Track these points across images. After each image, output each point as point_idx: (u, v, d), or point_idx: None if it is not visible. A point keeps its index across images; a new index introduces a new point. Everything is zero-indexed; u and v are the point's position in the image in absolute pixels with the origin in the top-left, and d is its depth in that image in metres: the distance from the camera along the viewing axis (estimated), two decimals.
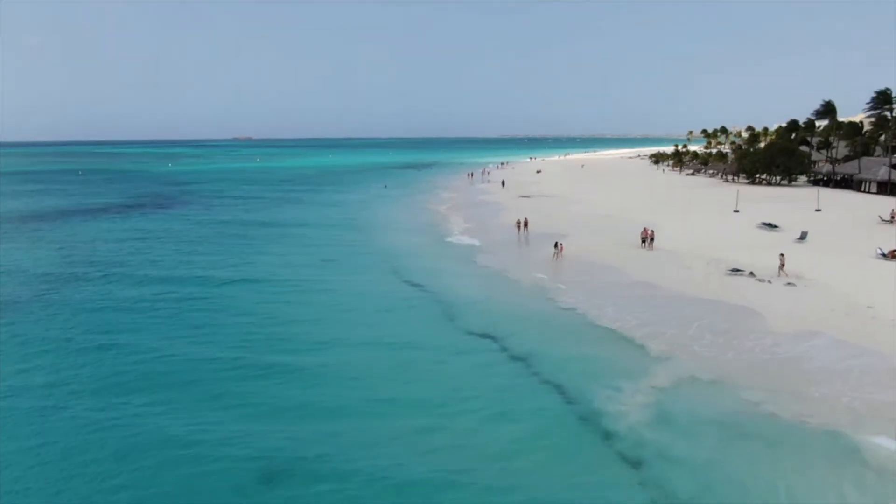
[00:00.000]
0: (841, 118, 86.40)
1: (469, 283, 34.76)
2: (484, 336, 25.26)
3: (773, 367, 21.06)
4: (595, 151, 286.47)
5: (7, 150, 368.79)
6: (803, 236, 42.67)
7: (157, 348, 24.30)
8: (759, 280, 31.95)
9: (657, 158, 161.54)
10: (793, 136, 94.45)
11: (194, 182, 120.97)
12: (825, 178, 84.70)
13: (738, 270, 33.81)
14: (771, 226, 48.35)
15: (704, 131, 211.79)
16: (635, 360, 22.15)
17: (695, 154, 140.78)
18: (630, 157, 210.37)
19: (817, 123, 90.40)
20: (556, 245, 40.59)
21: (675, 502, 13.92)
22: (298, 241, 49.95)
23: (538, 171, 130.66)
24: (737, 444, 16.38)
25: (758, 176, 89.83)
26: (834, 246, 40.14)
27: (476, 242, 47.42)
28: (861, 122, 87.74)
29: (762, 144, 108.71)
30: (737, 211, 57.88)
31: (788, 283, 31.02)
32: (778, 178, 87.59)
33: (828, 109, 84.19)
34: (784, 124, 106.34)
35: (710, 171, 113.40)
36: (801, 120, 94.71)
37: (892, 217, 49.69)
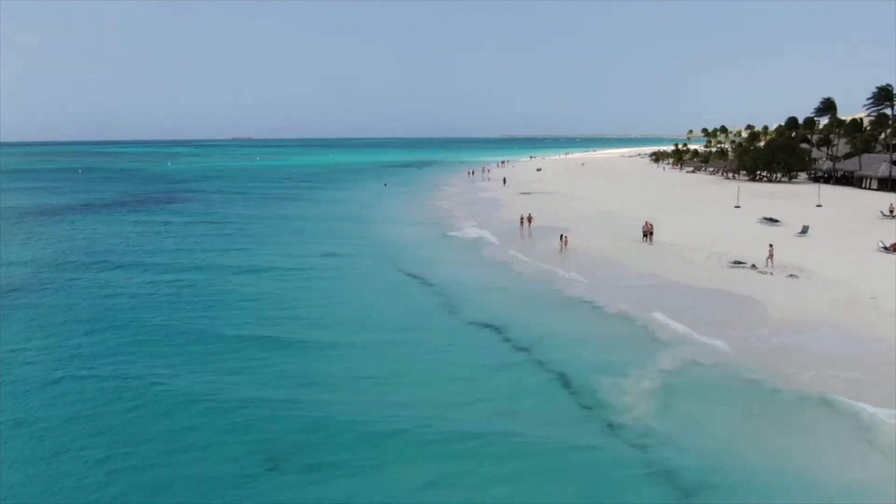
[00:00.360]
0: (841, 116, 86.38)
1: (476, 274, 35.01)
2: (493, 324, 25.31)
3: (776, 352, 21.11)
4: (595, 151, 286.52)
5: (7, 150, 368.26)
6: (804, 230, 42.67)
7: (158, 337, 24.36)
8: (761, 272, 31.95)
9: (657, 157, 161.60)
10: (793, 133, 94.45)
11: (194, 180, 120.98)
12: (826, 175, 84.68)
13: (739, 263, 33.83)
14: (772, 220, 48.35)
15: (704, 130, 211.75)
16: (644, 344, 22.53)
17: (695, 152, 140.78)
18: (630, 156, 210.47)
19: (817, 121, 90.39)
20: (561, 237, 40.65)
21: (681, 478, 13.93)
22: (299, 236, 50.04)
23: (538, 170, 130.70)
24: (741, 422, 16.57)
25: (758, 173, 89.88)
26: (835, 240, 40.12)
27: (479, 236, 47.48)
28: (861, 120, 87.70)
29: (762, 144, 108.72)
30: (738, 207, 57.86)
31: (790, 276, 31.01)
32: (778, 175, 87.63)
33: (828, 106, 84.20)
34: (783, 123, 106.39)
35: (711, 169, 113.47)
36: (801, 118, 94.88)
37: (891, 211, 49.71)
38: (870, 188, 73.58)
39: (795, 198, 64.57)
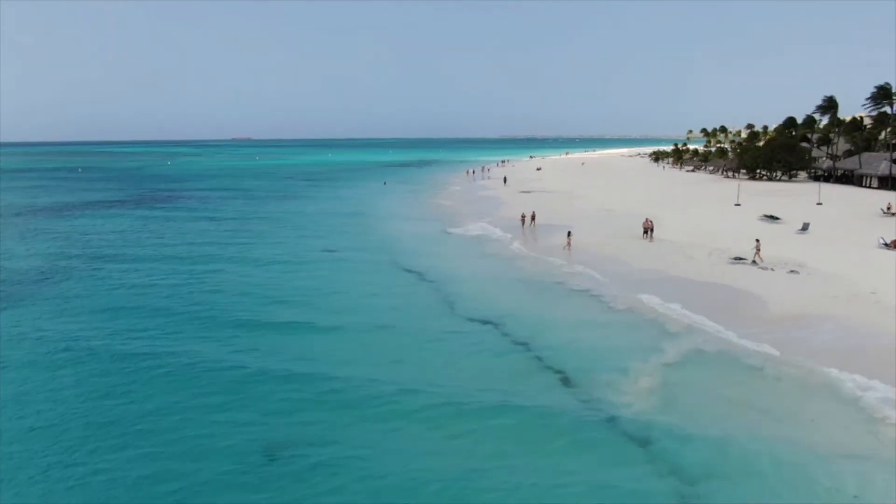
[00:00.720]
0: (841, 115, 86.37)
1: (480, 268, 35.15)
2: (497, 316, 25.38)
3: (777, 344, 21.16)
4: (595, 151, 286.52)
5: (7, 150, 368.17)
6: (805, 227, 42.67)
7: (159, 327, 24.47)
8: (762, 268, 31.94)
9: (657, 156, 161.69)
10: (792, 132, 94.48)
11: (194, 179, 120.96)
12: (826, 174, 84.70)
13: (740, 259, 33.82)
14: (773, 218, 48.35)
15: (704, 130, 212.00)
16: (650, 334, 22.91)
17: (695, 152, 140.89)
18: (630, 156, 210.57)
19: (818, 119, 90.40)
20: (569, 234, 40.79)
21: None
22: (299, 232, 49.97)
23: (538, 169, 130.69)
24: (741, 406, 16.67)
25: (758, 172, 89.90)
26: (836, 237, 40.11)
27: (481, 233, 47.46)
28: (861, 119, 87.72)
29: (761, 143, 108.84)
30: (738, 204, 57.85)
31: (791, 271, 30.99)
32: (778, 173, 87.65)
33: (830, 105, 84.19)
34: (783, 123, 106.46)
35: (711, 168, 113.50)
36: (801, 118, 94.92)
37: (889, 208, 49.79)
38: (870, 187, 73.58)
39: (795, 196, 64.56)
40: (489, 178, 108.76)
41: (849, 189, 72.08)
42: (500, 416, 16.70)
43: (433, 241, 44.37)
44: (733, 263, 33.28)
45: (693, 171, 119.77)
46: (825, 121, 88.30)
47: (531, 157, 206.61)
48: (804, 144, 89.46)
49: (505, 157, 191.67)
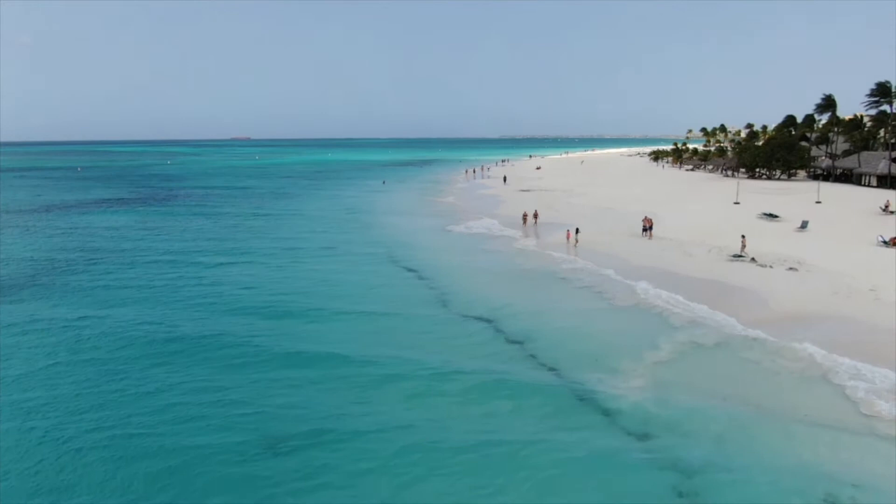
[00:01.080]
0: (840, 115, 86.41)
1: (482, 263, 35.25)
2: (501, 309, 25.50)
3: (776, 338, 21.25)
4: (594, 150, 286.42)
5: (7, 150, 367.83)
6: (804, 225, 42.72)
7: (158, 321, 24.61)
8: (761, 265, 31.98)
9: (657, 155, 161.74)
10: (791, 132, 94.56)
11: (193, 178, 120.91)
12: (825, 173, 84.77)
13: (739, 256, 33.88)
14: (772, 216, 48.40)
15: (703, 130, 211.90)
16: (652, 326, 23.22)
17: (695, 151, 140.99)
18: (629, 155, 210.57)
19: (817, 118, 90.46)
20: (576, 231, 40.88)
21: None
22: (299, 229, 49.99)
23: (538, 168, 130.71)
24: (741, 402, 16.68)
25: (757, 170, 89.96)
26: (835, 235, 40.17)
27: (481, 231, 47.48)
28: (861, 117, 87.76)
29: (761, 143, 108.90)
30: (737, 203, 57.91)
31: (790, 268, 31.04)
32: (777, 172, 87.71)
33: (829, 103, 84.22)
34: (782, 122, 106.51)
35: (710, 167, 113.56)
36: (800, 117, 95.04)
37: (887, 206, 49.90)
38: (869, 185, 73.65)
39: (795, 194, 64.65)
40: (489, 177, 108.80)
41: (848, 188, 72.15)
42: (495, 398, 16.77)
43: (433, 238, 44.37)
44: (732, 260, 33.34)
45: (692, 170, 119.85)
46: (824, 119, 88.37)
47: (531, 156, 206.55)
48: (803, 143, 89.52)
49: (504, 157, 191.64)
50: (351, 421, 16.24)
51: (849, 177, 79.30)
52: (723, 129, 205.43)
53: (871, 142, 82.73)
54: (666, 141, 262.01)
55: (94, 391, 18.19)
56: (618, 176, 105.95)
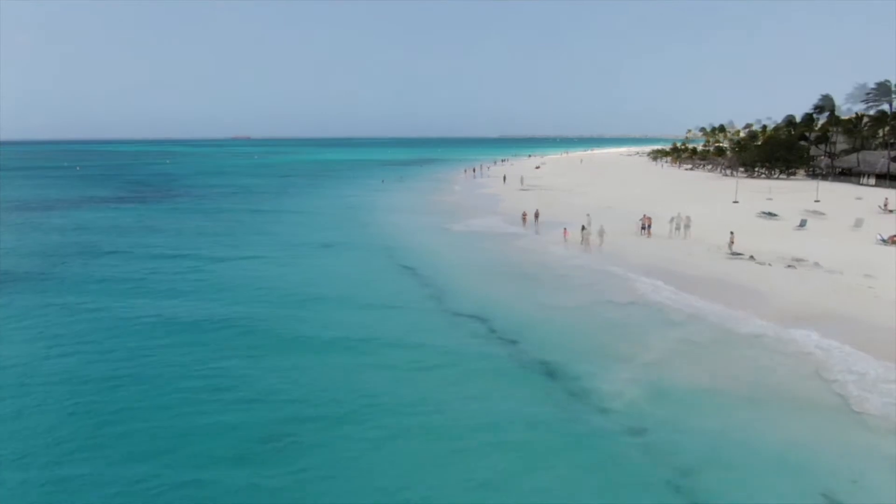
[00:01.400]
0: (840, 114, 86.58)
1: (485, 261, 35.23)
2: (503, 303, 25.39)
3: (776, 335, 21.29)
4: (594, 150, 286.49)
5: (7, 149, 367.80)
6: (803, 223, 42.81)
7: (157, 317, 24.58)
8: (760, 263, 32.04)
9: (656, 155, 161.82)
10: (791, 131, 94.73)
11: (193, 176, 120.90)
12: (824, 172, 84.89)
13: (738, 254, 33.94)
14: (770, 214, 48.49)
15: (703, 129, 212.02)
16: (651, 322, 23.28)
17: (693, 150, 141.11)
18: (629, 155, 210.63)
19: (815, 117, 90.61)
20: (585, 228, 40.77)
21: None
22: (298, 227, 50.02)
23: (537, 167, 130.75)
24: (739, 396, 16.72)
25: (756, 169, 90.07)
26: (834, 233, 40.25)
27: (481, 229, 47.49)
28: (860, 116, 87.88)
29: (759, 143, 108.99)
30: (736, 202, 58.00)
31: (789, 266, 31.10)
32: (777, 171, 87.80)
33: (826, 104, 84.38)
34: (781, 122, 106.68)
35: (710, 166, 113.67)
36: (799, 116, 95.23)
37: (885, 204, 50.01)
38: (868, 184, 73.77)
39: (794, 193, 64.73)
40: (488, 176, 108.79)
41: (847, 186, 72.25)
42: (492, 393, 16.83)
43: (433, 236, 44.38)
44: (731, 258, 33.41)
45: (691, 169, 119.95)
46: (822, 119, 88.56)
47: (530, 155, 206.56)
48: (802, 143, 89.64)
49: (504, 157, 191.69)
50: (345, 405, 16.48)
51: (848, 175, 79.42)
52: (722, 128, 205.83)
53: (871, 140, 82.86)
54: (665, 140, 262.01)
55: (85, 385, 18.24)
56: (617, 175, 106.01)
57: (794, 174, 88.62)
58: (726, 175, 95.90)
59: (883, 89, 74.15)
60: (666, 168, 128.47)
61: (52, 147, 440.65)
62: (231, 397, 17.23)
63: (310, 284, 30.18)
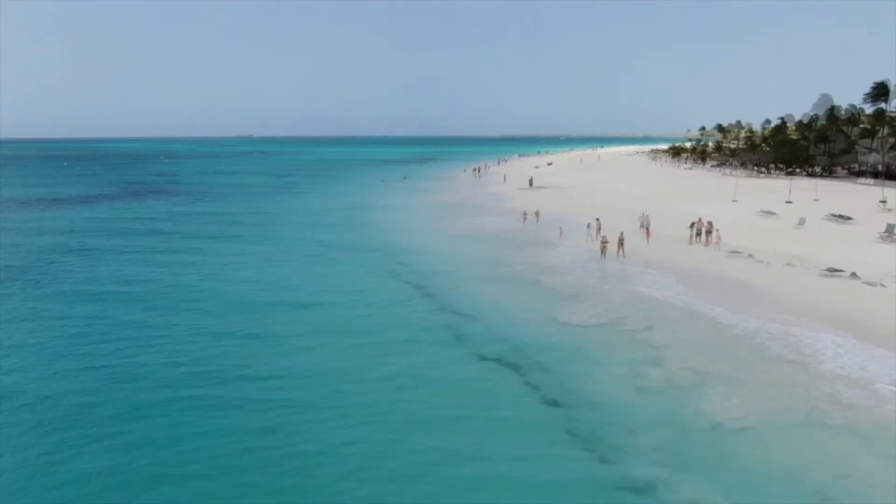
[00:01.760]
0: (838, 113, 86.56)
1: (485, 260, 35.32)
2: (503, 301, 25.61)
3: (772, 331, 21.46)
4: (595, 149, 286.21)
5: (7, 147, 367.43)
6: (801, 222, 42.97)
7: (152, 316, 24.73)
8: (758, 261, 32.22)
9: (655, 155, 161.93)
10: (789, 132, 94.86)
11: (193, 175, 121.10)
12: (823, 171, 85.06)
13: (737, 253, 34.12)
14: (770, 213, 48.68)
15: (702, 129, 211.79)
16: (652, 318, 23.45)
17: (692, 149, 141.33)
18: (629, 154, 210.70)
19: (815, 117, 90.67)
20: (589, 226, 40.89)
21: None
22: (296, 226, 50.22)
23: (537, 167, 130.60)
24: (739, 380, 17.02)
25: (755, 169, 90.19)
26: (833, 231, 40.39)
27: (481, 229, 47.64)
28: (859, 115, 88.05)
29: (759, 143, 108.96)
30: (735, 201, 58.15)
31: (788, 264, 31.25)
32: (776, 171, 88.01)
33: (826, 103, 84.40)
34: (779, 121, 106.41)
35: (709, 165, 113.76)
36: (799, 115, 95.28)
37: (884, 202, 50.23)
38: (867, 183, 73.94)
39: (793, 192, 64.77)
40: (490, 175, 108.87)
41: (846, 185, 72.35)
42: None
43: (432, 235, 44.46)
44: (730, 257, 33.58)
45: (690, 168, 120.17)
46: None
47: (529, 155, 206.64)
48: (801, 143, 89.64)
49: (504, 157, 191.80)
50: (345, 411, 16.55)
51: (847, 174, 79.44)
52: (721, 128, 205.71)
53: (870, 140, 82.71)
54: (666, 140, 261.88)
55: (80, 382, 18.41)
56: (617, 174, 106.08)
57: (793, 173, 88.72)
58: (725, 174, 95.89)
59: (881, 89, 73.78)
60: (665, 167, 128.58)
61: (53, 146, 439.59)
62: (230, 397, 17.30)
63: (309, 285, 30.20)
